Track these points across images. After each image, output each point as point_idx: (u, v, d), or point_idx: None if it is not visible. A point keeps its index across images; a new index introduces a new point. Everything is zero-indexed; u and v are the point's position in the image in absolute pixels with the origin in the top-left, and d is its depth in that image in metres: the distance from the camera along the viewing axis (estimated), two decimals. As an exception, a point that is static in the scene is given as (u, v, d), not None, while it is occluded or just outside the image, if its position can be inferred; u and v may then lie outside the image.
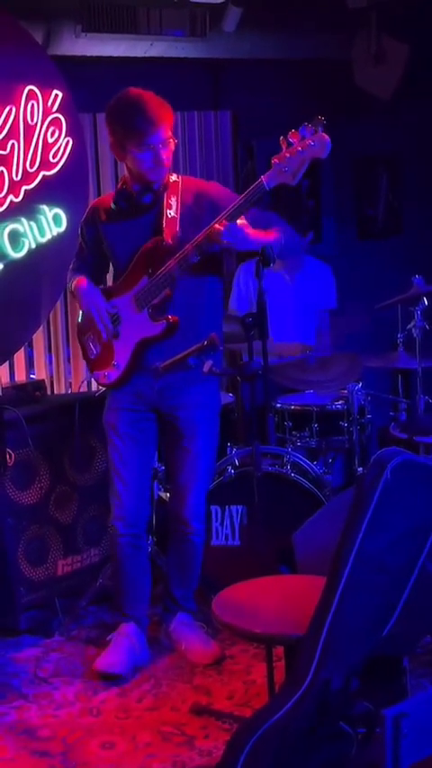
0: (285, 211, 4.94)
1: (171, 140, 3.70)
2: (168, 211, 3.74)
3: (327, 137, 3.36)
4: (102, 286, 3.98)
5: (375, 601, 2.64)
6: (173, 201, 3.75)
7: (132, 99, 3.67)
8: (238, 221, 3.55)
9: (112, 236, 3.86)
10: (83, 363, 5.07)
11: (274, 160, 3.42)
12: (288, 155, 3.40)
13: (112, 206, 3.82)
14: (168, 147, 3.70)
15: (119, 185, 3.88)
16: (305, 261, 5.21)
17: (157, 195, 3.76)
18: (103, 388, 4.01)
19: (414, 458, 2.65)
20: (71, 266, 4.05)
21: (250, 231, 3.59)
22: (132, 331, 3.81)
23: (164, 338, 3.73)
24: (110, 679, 3.77)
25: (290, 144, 3.39)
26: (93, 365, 3.99)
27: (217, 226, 3.53)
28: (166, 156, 3.70)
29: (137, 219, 3.80)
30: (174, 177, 3.81)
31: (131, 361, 3.82)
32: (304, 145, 3.37)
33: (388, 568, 2.61)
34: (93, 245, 3.94)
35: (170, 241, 3.69)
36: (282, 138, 3.40)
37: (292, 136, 3.38)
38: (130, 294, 3.80)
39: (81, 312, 3.97)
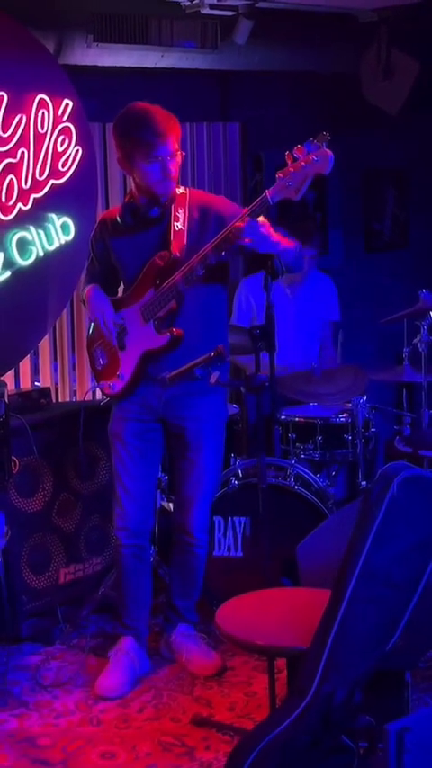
0: (293, 225, 4.96)
1: (178, 153, 3.71)
2: (176, 224, 3.75)
3: (330, 153, 3.36)
4: (112, 297, 3.99)
5: (380, 615, 2.64)
6: (180, 214, 3.76)
7: (139, 112, 3.68)
8: (260, 219, 3.55)
9: (121, 249, 3.88)
10: (88, 371, 5.08)
11: (279, 175, 3.44)
12: (292, 170, 3.41)
13: (118, 220, 3.83)
14: (176, 159, 3.70)
15: (126, 198, 3.89)
16: (307, 274, 5.21)
17: (164, 209, 3.77)
18: (108, 398, 4.02)
19: (421, 472, 2.66)
20: (82, 278, 4.08)
21: (271, 231, 3.58)
22: (137, 342, 3.82)
23: (167, 351, 3.74)
24: (111, 701, 3.77)
25: (295, 159, 3.40)
26: (99, 375, 4.00)
27: (238, 224, 3.52)
28: (174, 168, 3.71)
29: (145, 233, 3.81)
30: (181, 189, 3.82)
31: (136, 372, 3.83)
32: (308, 160, 3.38)
33: (393, 582, 2.61)
34: (102, 259, 3.96)
35: (178, 254, 3.70)
36: (287, 152, 3.41)
37: (298, 151, 3.39)
38: (136, 306, 3.82)
39: (91, 323, 4.00)
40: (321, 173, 3.40)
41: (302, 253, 4.54)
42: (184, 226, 3.75)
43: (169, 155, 3.68)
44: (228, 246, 3.56)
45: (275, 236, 3.58)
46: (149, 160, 3.66)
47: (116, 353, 3.90)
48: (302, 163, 3.39)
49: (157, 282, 3.74)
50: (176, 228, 3.74)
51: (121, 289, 4.05)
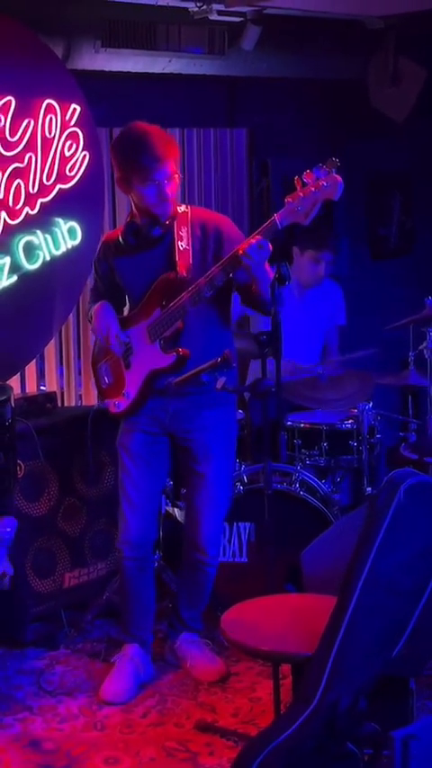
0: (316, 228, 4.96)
1: (176, 175, 3.69)
2: (180, 243, 3.73)
3: (340, 179, 3.37)
4: (118, 316, 3.98)
5: (386, 621, 2.64)
6: (183, 233, 3.75)
7: (137, 135, 3.67)
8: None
9: (124, 269, 3.87)
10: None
11: (288, 199, 3.43)
12: (302, 194, 3.40)
13: (121, 241, 3.84)
14: (173, 182, 3.69)
15: (127, 219, 3.88)
16: (322, 278, 5.21)
17: (165, 228, 3.76)
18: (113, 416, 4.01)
19: (428, 479, 2.66)
20: (89, 299, 4.10)
21: (267, 265, 3.58)
22: (144, 362, 3.82)
23: (173, 371, 3.73)
24: (115, 706, 3.76)
25: (304, 184, 3.40)
26: (104, 394, 4.00)
27: (247, 242, 3.49)
28: (171, 191, 3.70)
29: (148, 252, 3.80)
30: (182, 208, 3.81)
31: (141, 391, 3.83)
32: (318, 186, 3.38)
33: (399, 589, 2.61)
34: (107, 280, 3.96)
35: (185, 273, 3.70)
36: (296, 177, 3.41)
37: (307, 176, 3.39)
38: (143, 325, 3.81)
39: (96, 340, 3.99)
40: (330, 198, 3.41)
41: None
42: (188, 245, 3.74)
43: (167, 177, 3.67)
44: (235, 268, 3.55)
45: (268, 268, 3.58)
46: (146, 183, 3.65)
47: (122, 372, 3.90)
48: (312, 188, 3.39)
49: (164, 303, 3.73)
50: (181, 248, 3.73)
51: (126, 309, 4.05)
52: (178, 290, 3.69)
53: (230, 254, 3.56)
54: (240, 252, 3.48)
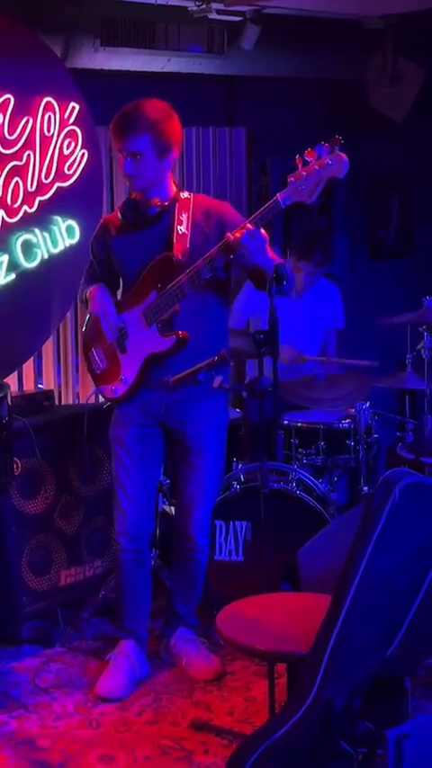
0: (316, 245, 4.96)
1: (139, 157, 3.67)
2: (179, 227, 3.74)
3: (345, 156, 3.37)
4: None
5: (380, 621, 2.64)
6: (183, 218, 3.76)
7: (130, 105, 3.73)
8: (261, 231, 3.55)
9: (121, 249, 3.88)
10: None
11: (291, 178, 3.43)
12: (305, 173, 3.40)
13: (120, 216, 3.85)
14: (138, 163, 3.68)
15: (128, 196, 3.91)
16: (315, 281, 5.21)
17: (162, 209, 3.77)
18: (110, 402, 4.02)
19: (423, 479, 2.66)
20: (82, 281, 4.08)
21: (268, 247, 3.58)
22: (141, 346, 3.82)
23: (173, 354, 3.73)
24: (111, 703, 3.77)
25: (306, 162, 3.40)
26: (98, 379, 3.99)
27: (240, 230, 3.50)
28: (130, 170, 3.70)
29: (146, 232, 3.81)
30: (185, 194, 3.83)
31: (139, 376, 3.83)
32: (322, 164, 3.38)
33: (394, 589, 2.61)
34: (103, 262, 3.96)
35: (180, 257, 3.70)
36: (297, 156, 3.41)
37: (309, 155, 3.39)
38: (138, 309, 3.81)
39: (86, 322, 3.98)
40: (336, 176, 3.41)
41: (292, 274, 4.57)
42: (187, 230, 3.75)
43: (128, 154, 3.69)
44: (233, 251, 3.55)
45: (271, 252, 3.58)
46: (117, 152, 3.76)
47: (117, 357, 3.89)
48: (316, 166, 3.38)
49: (160, 285, 3.73)
50: (179, 232, 3.74)
51: (119, 293, 4.05)
52: (174, 272, 3.68)
53: (223, 240, 3.56)
54: (233, 241, 3.48)
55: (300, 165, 3.41)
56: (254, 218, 3.54)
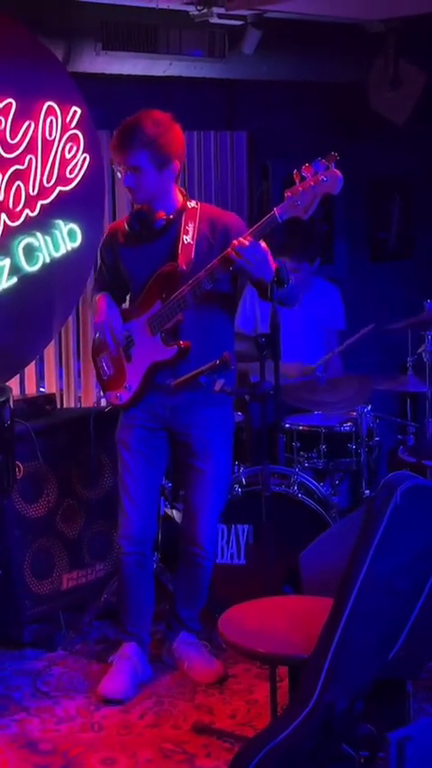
0: (296, 237, 4.97)
1: (139, 171, 3.69)
2: (185, 237, 3.75)
3: (339, 173, 3.38)
4: (120, 308, 4.00)
5: (382, 624, 2.64)
6: (190, 228, 3.76)
7: (131, 117, 3.73)
8: (261, 243, 3.56)
9: (129, 259, 3.89)
10: (93, 378, 5.08)
11: (288, 193, 3.44)
12: (301, 189, 3.42)
13: (127, 228, 3.86)
14: (138, 176, 3.70)
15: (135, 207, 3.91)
16: (313, 282, 5.22)
17: (168, 220, 3.78)
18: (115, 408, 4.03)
19: (425, 482, 2.66)
20: (90, 286, 4.11)
21: (270, 258, 3.59)
22: (145, 354, 3.83)
23: (175, 363, 3.75)
24: (113, 704, 3.77)
25: (303, 178, 3.41)
26: (105, 386, 4.02)
27: (240, 241, 3.51)
28: (130, 185, 3.73)
29: (152, 243, 3.82)
30: (192, 204, 3.83)
31: (143, 383, 3.84)
32: (317, 180, 3.40)
33: (396, 592, 2.61)
34: (112, 268, 3.98)
35: (184, 267, 3.71)
36: (295, 171, 3.42)
37: (306, 170, 3.41)
38: (143, 318, 3.83)
39: (97, 332, 4.01)
40: (330, 193, 3.43)
41: (297, 288, 4.58)
42: (192, 240, 3.75)
43: (129, 168, 3.70)
44: (232, 263, 3.56)
45: (273, 263, 3.59)
46: (117, 166, 3.77)
47: (122, 364, 3.91)
48: (311, 183, 3.40)
49: (164, 295, 3.75)
50: (185, 242, 3.75)
51: (128, 299, 4.06)
52: (178, 282, 3.70)
53: (224, 252, 3.57)
54: (233, 253, 3.49)
55: (297, 180, 3.43)
56: (252, 232, 3.55)
